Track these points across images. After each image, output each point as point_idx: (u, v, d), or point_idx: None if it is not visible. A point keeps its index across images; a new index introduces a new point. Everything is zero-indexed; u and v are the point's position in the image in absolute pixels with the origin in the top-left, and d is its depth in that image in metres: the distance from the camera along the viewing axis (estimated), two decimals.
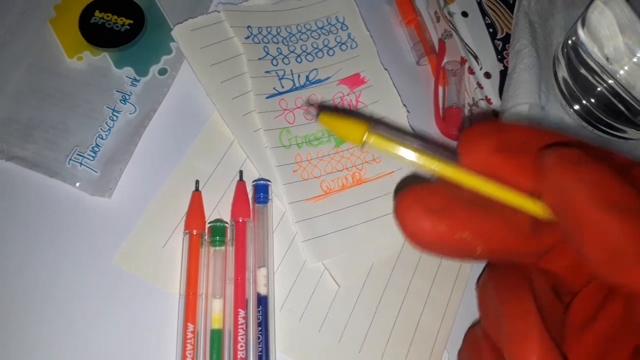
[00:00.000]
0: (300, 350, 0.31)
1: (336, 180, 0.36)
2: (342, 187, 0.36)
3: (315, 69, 0.38)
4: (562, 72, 0.39)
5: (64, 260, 0.30)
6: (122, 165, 0.33)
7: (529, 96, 0.36)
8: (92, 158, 0.32)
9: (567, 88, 0.39)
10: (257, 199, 0.33)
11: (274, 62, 0.38)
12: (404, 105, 0.38)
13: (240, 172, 0.34)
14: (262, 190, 0.33)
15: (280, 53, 0.38)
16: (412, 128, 0.38)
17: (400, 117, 0.38)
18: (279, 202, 0.34)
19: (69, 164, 0.32)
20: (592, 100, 0.38)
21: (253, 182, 0.34)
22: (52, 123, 0.33)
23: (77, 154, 0.32)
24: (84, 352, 0.29)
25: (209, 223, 0.32)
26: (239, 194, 0.33)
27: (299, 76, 0.38)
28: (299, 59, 0.38)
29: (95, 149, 0.32)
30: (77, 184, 0.32)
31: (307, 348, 0.32)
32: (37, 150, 0.32)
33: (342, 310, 0.33)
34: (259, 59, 0.37)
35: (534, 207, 0.17)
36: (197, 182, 0.33)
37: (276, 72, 0.37)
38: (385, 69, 0.39)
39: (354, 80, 0.39)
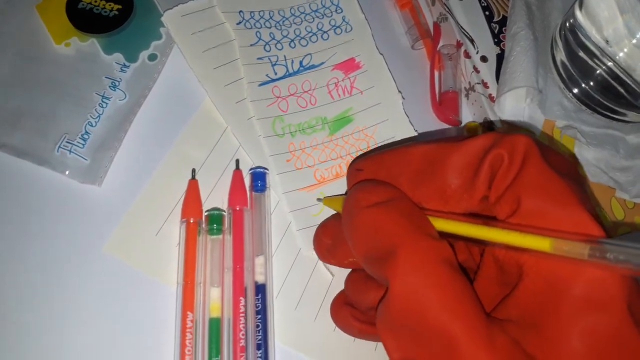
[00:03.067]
0: (296, 338, 0.31)
1: (330, 169, 0.35)
2: (335, 176, 0.35)
3: (309, 54, 0.38)
4: (560, 56, 0.39)
5: (53, 249, 0.30)
6: (112, 153, 0.32)
7: (526, 79, 0.36)
8: (81, 145, 0.32)
9: (566, 71, 0.38)
10: (254, 187, 0.32)
11: (267, 47, 0.37)
12: (399, 91, 0.38)
13: (237, 161, 0.34)
14: (259, 178, 0.33)
15: (273, 38, 0.37)
16: (407, 115, 0.37)
17: (395, 103, 0.38)
18: (273, 191, 0.34)
19: (57, 151, 0.31)
20: (592, 84, 0.37)
21: (250, 169, 0.33)
22: (40, 110, 0.32)
23: (66, 142, 0.31)
24: (75, 344, 0.28)
25: (205, 211, 0.31)
26: (236, 182, 0.32)
27: (292, 62, 0.37)
28: (292, 44, 0.38)
29: (85, 136, 0.32)
30: (67, 172, 0.31)
31: (303, 336, 0.31)
32: (25, 138, 0.31)
33: None
34: (251, 45, 0.37)
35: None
36: (193, 170, 0.33)
37: (269, 59, 0.37)
38: (381, 54, 0.38)
39: (349, 65, 0.38)
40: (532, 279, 0.19)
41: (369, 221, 0.21)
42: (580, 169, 0.37)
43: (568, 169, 0.21)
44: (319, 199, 0.32)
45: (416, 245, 0.19)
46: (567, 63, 0.38)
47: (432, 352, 0.18)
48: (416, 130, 0.37)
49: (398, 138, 0.37)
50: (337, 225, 0.27)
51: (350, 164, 0.26)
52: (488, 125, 0.38)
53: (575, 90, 0.38)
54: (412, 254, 0.19)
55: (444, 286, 0.18)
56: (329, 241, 0.28)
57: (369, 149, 0.36)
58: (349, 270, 0.29)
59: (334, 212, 0.33)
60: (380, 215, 0.21)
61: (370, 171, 0.24)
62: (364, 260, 0.22)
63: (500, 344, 0.18)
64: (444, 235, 0.21)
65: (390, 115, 0.37)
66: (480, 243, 0.20)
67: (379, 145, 0.36)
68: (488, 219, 0.20)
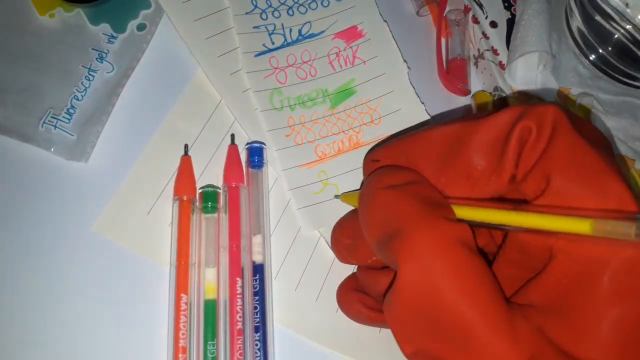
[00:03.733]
0: (296, 320, 0.30)
1: (332, 144, 0.34)
2: (338, 152, 0.33)
3: (309, 22, 0.36)
4: (576, 22, 0.37)
5: (40, 229, 0.29)
6: (99, 128, 0.31)
7: (538, 44, 0.34)
8: (67, 120, 0.30)
9: (581, 37, 0.36)
10: (251, 163, 0.31)
11: (263, 15, 0.35)
12: (405, 61, 0.36)
13: (232, 136, 0.32)
14: (256, 154, 0.31)
15: (270, 5, 0.35)
16: (413, 86, 0.35)
17: (400, 74, 0.36)
18: (272, 168, 0.32)
19: (42, 127, 0.30)
20: (609, 49, 0.35)
21: (246, 144, 0.32)
22: (24, 85, 0.31)
23: (51, 117, 0.30)
24: (64, 327, 0.27)
25: (199, 189, 0.30)
26: (231, 158, 0.31)
27: (290, 30, 0.35)
28: (290, 12, 0.36)
29: (71, 110, 0.30)
30: (52, 149, 0.30)
31: (304, 318, 0.30)
32: (8, 114, 0.30)
33: (340, 279, 0.30)
34: (247, 12, 0.35)
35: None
36: (186, 146, 0.31)
37: (265, 27, 0.35)
38: (385, 21, 0.36)
39: (351, 34, 0.36)
40: (562, 261, 0.17)
41: (382, 203, 0.20)
42: None
43: (600, 140, 0.19)
44: (336, 196, 0.32)
45: (429, 226, 0.18)
46: (584, 29, 0.36)
47: (447, 341, 0.17)
48: (423, 103, 0.35)
49: (404, 110, 0.35)
50: (355, 223, 0.25)
51: (365, 156, 0.25)
52: (499, 97, 0.36)
53: (592, 56, 0.36)
54: (424, 236, 0.18)
55: (459, 269, 0.17)
56: (348, 241, 0.27)
57: (372, 123, 0.34)
58: None
59: (337, 190, 0.32)
60: (394, 198, 0.20)
61: (388, 160, 0.23)
62: (377, 246, 0.20)
63: (522, 332, 0.17)
64: (470, 225, 0.19)
65: (395, 86, 0.35)
66: (511, 230, 0.19)
67: (383, 117, 0.35)
68: (517, 203, 0.19)
